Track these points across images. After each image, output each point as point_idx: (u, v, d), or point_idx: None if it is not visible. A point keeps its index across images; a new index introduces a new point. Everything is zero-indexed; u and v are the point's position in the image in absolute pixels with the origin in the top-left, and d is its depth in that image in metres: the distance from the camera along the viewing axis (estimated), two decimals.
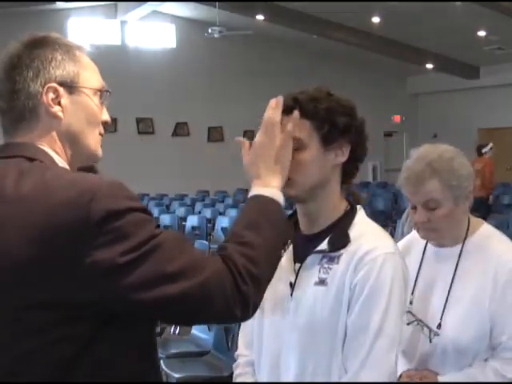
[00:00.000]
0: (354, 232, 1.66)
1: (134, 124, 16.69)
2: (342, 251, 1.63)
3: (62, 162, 1.35)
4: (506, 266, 1.96)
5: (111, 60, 12.78)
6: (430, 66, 18.24)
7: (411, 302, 2.06)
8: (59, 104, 1.34)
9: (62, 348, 1.19)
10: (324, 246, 1.65)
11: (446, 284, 2.03)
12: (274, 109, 1.52)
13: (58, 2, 14.95)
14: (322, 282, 1.63)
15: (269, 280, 1.35)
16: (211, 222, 10.75)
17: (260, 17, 15.31)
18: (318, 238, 1.68)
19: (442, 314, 2.00)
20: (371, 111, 19.61)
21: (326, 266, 1.63)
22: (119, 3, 16.46)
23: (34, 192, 1.22)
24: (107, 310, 1.21)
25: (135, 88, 15.80)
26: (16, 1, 13.44)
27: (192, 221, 10.22)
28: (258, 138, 1.53)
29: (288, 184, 1.55)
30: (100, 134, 1.42)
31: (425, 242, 2.14)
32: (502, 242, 2.05)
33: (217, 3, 14.08)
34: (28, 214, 1.20)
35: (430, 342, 2.00)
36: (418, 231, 2.08)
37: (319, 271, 1.64)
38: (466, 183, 1.99)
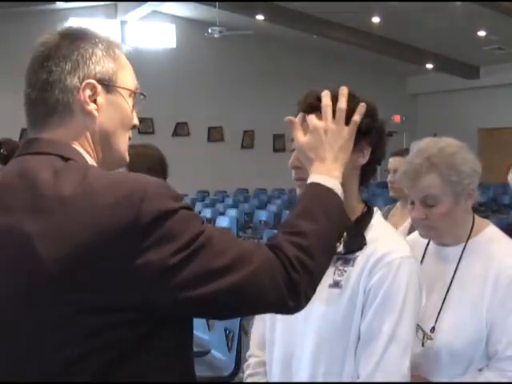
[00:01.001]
0: (370, 234, 1.63)
1: None
2: (357, 253, 1.60)
3: (93, 164, 1.29)
4: (507, 270, 1.85)
5: None
6: (430, 65, 18.24)
7: None
8: (95, 102, 1.28)
9: (107, 353, 1.16)
10: (340, 247, 1.61)
11: (445, 285, 1.93)
12: (344, 96, 1.48)
13: (57, 2, 14.96)
14: (336, 284, 1.60)
15: (323, 271, 1.31)
16: (211, 222, 10.75)
17: (260, 17, 15.31)
18: None
19: (437, 317, 1.90)
20: None
21: (340, 268, 1.61)
22: (119, 3, 16.46)
23: (78, 194, 1.16)
24: (157, 312, 1.18)
25: None
26: (16, 1, 13.43)
27: None
28: (322, 122, 1.47)
29: (302, 184, 1.52)
30: (129, 137, 1.38)
31: (427, 239, 2.04)
32: (506, 246, 1.94)
33: (217, 3, 14.08)
34: (74, 217, 1.14)
35: (423, 345, 1.89)
36: (417, 229, 2.00)
37: (334, 273, 1.60)
38: (467, 180, 1.88)
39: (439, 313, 1.91)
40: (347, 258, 1.61)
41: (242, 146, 18.76)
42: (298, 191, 1.63)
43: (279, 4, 15.02)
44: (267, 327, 1.77)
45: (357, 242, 1.61)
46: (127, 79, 1.34)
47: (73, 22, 15.81)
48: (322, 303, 1.60)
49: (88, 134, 1.29)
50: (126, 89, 1.33)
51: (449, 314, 1.90)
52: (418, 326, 1.90)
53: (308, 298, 1.26)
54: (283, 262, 1.22)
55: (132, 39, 16.93)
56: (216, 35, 14.49)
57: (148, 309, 1.16)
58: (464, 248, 1.94)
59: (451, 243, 1.98)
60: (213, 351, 4.04)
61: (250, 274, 1.19)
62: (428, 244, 2.05)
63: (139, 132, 17.21)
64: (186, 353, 1.30)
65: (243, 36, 15.28)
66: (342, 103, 1.46)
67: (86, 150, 1.29)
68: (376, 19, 15.21)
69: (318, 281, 1.29)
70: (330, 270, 1.59)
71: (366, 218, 1.66)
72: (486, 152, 19.34)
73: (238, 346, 3.83)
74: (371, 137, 1.63)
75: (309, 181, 1.40)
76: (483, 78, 18.57)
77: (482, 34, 15.37)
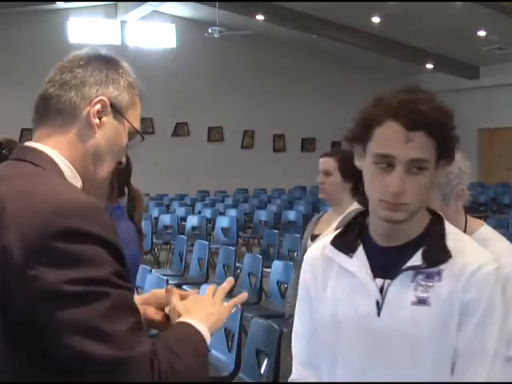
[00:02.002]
0: (450, 244, 1.48)
1: None
2: (441, 267, 1.46)
3: (72, 173, 1.32)
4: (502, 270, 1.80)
5: None
6: (430, 66, 18.24)
7: None
8: (100, 119, 1.34)
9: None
10: (418, 261, 1.47)
11: None
12: (230, 283, 1.52)
13: (58, 2, 14.95)
14: (421, 301, 1.45)
15: None
16: (211, 222, 10.74)
17: (260, 17, 15.31)
18: (404, 251, 1.49)
19: None
20: None
21: (423, 283, 1.46)
22: (119, 3, 16.47)
23: (10, 198, 1.20)
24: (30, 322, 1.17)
25: None
26: (16, 1, 13.44)
27: (192, 221, 10.21)
28: (201, 295, 1.47)
29: (400, 209, 1.42)
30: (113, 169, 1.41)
31: None
32: (500, 245, 1.89)
33: (217, 3, 14.08)
34: (3, 216, 1.18)
35: None
36: None
37: (415, 289, 1.46)
38: (455, 180, 1.86)
39: None
40: (429, 272, 1.46)
41: (242, 146, 18.76)
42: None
43: (279, 4, 15.02)
44: (327, 339, 1.58)
45: (440, 254, 1.46)
46: (134, 118, 1.41)
47: (73, 22, 15.84)
48: (406, 322, 1.45)
49: (81, 145, 1.33)
50: (131, 124, 1.39)
51: None
52: None
53: None
54: (153, 372, 1.17)
55: (132, 39, 16.94)
56: (216, 35, 14.48)
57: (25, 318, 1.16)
58: None
59: None
60: (213, 351, 4.04)
61: (123, 358, 1.15)
62: None
63: None
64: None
65: (243, 36, 15.29)
66: (226, 285, 1.50)
67: (72, 159, 1.32)
68: (376, 19, 15.20)
69: None
70: (409, 286, 1.46)
71: (438, 227, 1.52)
72: (485, 152, 19.36)
73: (238, 345, 3.84)
74: (456, 149, 1.50)
75: (184, 320, 1.36)
76: (483, 77, 18.57)
77: (482, 33, 15.37)
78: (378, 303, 1.48)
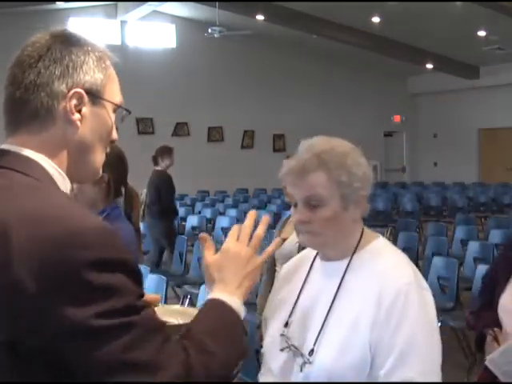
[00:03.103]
0: None
1: (133, 124, 16.70)
2: None
3: (61, 176, 1.24)
4: (391, 286, 1.65)
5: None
6: (430, 66, 18.24)
7: (287, 324, 1.78)
8: (79, 112, 1.23)
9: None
10: None
11: (327, 303, 1.73)
12: (264, 224, 1.45)
13: (58, 2, 14.95)
14: None
15: None
16: (211, 222, 10.75)
17: (260, 17, 15.32)
18: None
19: (317, 339, 1.69)
20: (371, 111, 19.65)
21: None
22: (119, 3, 16.47)
23: (13, 221, 1.10)
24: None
25: (135, 88, 15.83)
26: (16, 1, 13.43)
27: (192, 221, 10.22)
28: (236, 246, 1.40)
29: None
30: (106, 152, 1.33)
31: (314, 254, 1.86)
32: (391, 259, 1.75)
33: (217, 3, 14.09)
34: (8, 245, 1.07)
35: (301, 371, 1.70)
36: (297, 235, 1.80)
37: None
38: (357, 184, 1.71)
39: (319, 334, 1.71)
40: None
41: (242, 146, 18.76)
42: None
43: (279, 4, 15.02)
44: None
45: None
46: (113, 93, 1.30)
47: (73, 22, 15.83)
48: None
49: (65, 144, 1.24)
50: (112, 103, 1.29)
51: (329, 335, 1.70)
52: (296, 349, 1.75)
53: None
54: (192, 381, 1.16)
55: (132, 39, 16.94)
56: (216, 35, 14.48)
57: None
58: (349, 262, 1.76)
59: (336, 257, 1.79)
60: None
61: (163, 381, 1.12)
62: (314, 259, 1.87)
63: (139, 132, 17.22)
64: None
65: (243, 36, 15.29)
66: (261, 230, 1.43)
67: (58, 160, 1.23)
68: (376, 19, 15.21)
69: None
70: None
71: None
72: (486, 152, 19.37)
73: None
74: None
75: (212, 296, 1.33)
76: (483, 77, 18.57)
77: (481, 33, 15.37)
78: None
